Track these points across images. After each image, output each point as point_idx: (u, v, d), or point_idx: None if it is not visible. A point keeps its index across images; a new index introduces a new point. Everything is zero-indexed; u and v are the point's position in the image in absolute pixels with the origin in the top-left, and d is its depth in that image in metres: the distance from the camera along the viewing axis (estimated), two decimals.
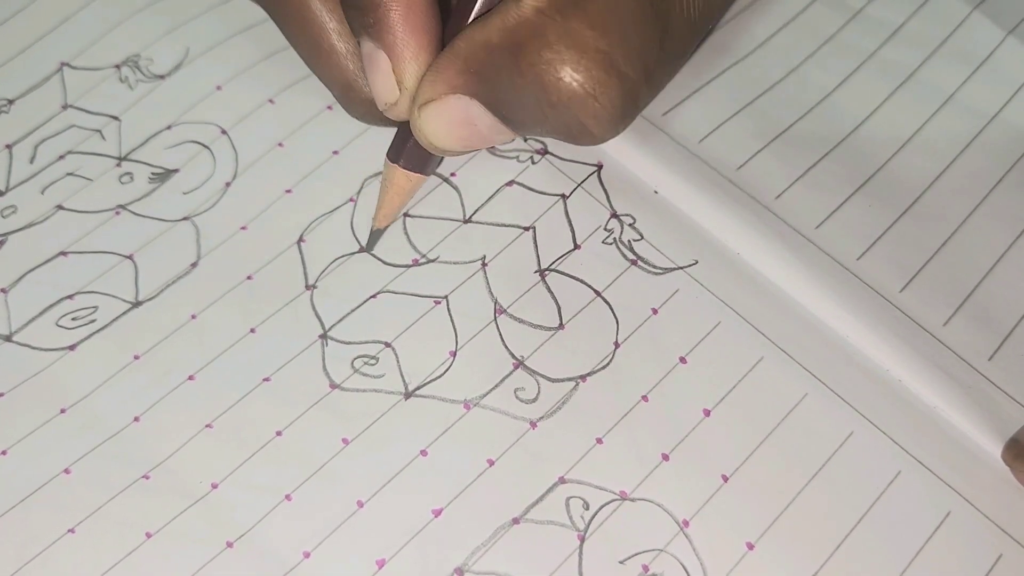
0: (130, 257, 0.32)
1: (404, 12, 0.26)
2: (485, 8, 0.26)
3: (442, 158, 0.28)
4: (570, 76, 0.24)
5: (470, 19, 0.26)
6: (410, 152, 0.29)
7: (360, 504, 0.28)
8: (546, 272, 0.31)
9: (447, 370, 0.30)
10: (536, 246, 0.32)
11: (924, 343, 0.30)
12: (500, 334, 0.30)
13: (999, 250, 0.32)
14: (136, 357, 0.30)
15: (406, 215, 0.32)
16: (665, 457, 0.29)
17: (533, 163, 0.33)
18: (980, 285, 0.32)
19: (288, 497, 0.28)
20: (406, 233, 0.32)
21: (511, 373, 0.30)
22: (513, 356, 0.30)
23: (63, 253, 0.32)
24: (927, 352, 0.30)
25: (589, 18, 0.24)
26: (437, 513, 0.28)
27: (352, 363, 0.30)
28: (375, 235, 0.31)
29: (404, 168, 0.29)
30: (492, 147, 0.26)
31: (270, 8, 0.30)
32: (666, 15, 0.25)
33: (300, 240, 0.32)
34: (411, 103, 0.27)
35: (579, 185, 0.33)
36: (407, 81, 0.26)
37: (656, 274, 0.31)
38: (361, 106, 0.29)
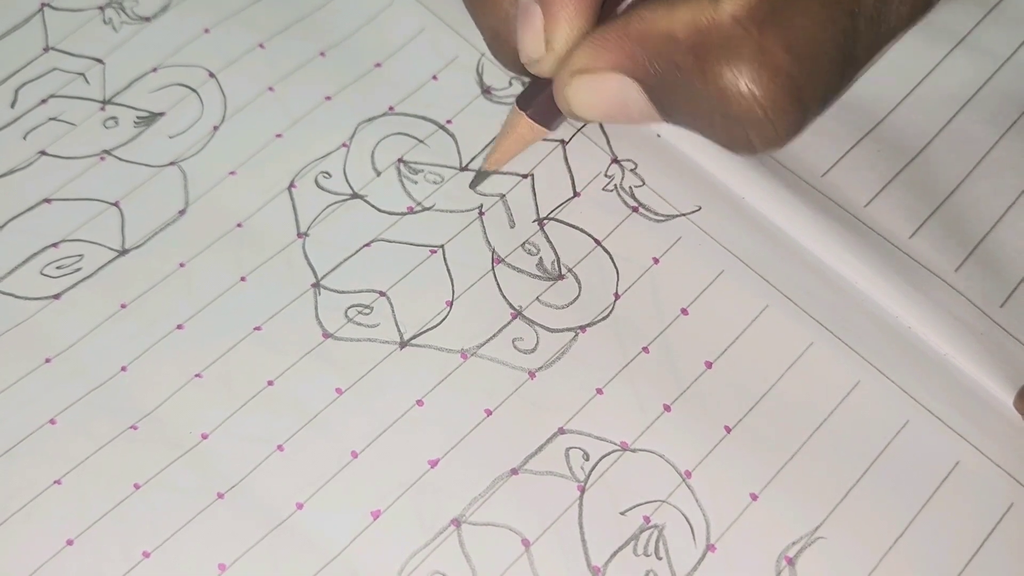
0: (116, 204, 0.31)
1: None
2: None
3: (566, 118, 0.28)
4: (753, 96, 0.23)
5: None
6: (540, 105, 0.28)
7: (354, 455, 0.27)
8: (545, 221, 0.31)
9: (443, 320, 0.29)
10: (535, 194, 0.31)
11: (935, 290, 0.30)
12: (498, 284, 0.30)
13: (1012, 195, 0.31)
14: (123, 306, 0.29)
15: (400, 160, 0.31)
16: (667, 408, 0.28)
17: None
18: (992, 231, 0.31)
19: (280, 447, 0.27)
20: (401, 180, 0.31)
21: (509, 323, 0.29)
22: (511, 306, 0.29)
23: (47, 200, 0.31)
24: (938, 299, 0.30)
25: (787, 39, 0.22)
26: (434, 463, 0.27)
27: (346, 312, 0.29)
28: (481, 175, 0.31)
29: (531, 118, 0.28)
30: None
31: None
32: (853, 48, 0.23)
33: (291, 186, 0.31)
34: (556, 64, 0.26)
35: (579, 130, 0.32)
36: (556, 43, 0.25)
37: (658, 221, 0.31)
38: (507, 55, 0.28)
